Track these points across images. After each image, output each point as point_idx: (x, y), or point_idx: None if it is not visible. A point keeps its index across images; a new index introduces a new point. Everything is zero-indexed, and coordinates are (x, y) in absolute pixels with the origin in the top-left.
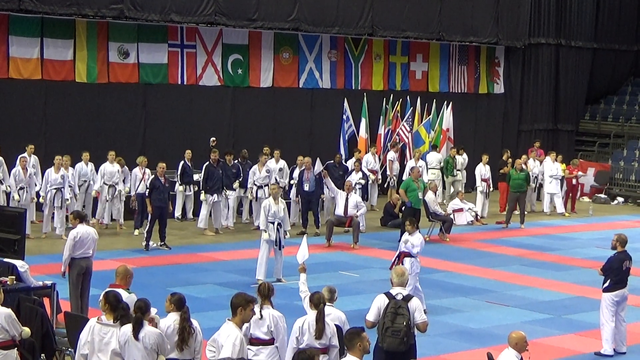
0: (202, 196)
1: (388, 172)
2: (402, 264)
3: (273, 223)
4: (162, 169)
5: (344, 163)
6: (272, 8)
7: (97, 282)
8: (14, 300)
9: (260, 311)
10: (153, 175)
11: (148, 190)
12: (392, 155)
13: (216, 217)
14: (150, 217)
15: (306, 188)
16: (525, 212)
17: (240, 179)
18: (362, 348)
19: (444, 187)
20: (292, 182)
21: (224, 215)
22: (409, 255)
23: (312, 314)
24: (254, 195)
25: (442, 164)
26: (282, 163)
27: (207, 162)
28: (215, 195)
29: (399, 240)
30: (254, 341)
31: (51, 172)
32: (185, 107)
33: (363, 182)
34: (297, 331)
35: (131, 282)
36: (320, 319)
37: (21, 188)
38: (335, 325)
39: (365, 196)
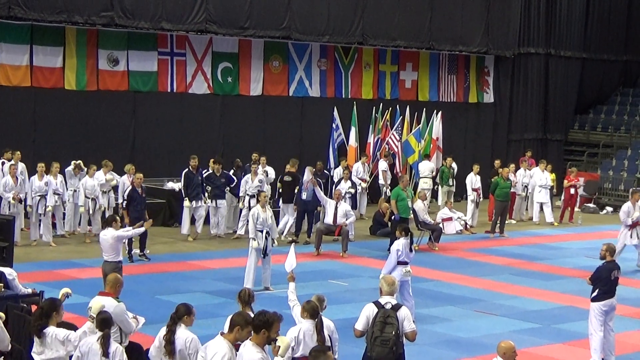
0: (186, 203)
1: (382, 182)
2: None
3: (262, 231)
4: (140, 179)
5: (326, 172)
6: (263, 16)
7: (85, 290)
8: (2, 308)
9: None
10: (130, 187)
11: (125, 201)
12: (384, 165)
13: (197, 223)
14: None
15: (304, 197)
16: (515, 221)
17: (232, 185)
18: None
19: (433, 197)
20: (281, 190)
21: (213, 223)
22: (401, 263)
23: (306, 323)
24: (247, 205)
25: (433, 172)
26: (264, 171)
27: (187, 169)
28: (194, 202)
29: (388, 249)
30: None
31: (35, 180)
32: (174, 115)
33: (352, 191)
34: (293, 340)
35: (120, 290)
36: (320, 330)
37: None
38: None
39: (354, 205)
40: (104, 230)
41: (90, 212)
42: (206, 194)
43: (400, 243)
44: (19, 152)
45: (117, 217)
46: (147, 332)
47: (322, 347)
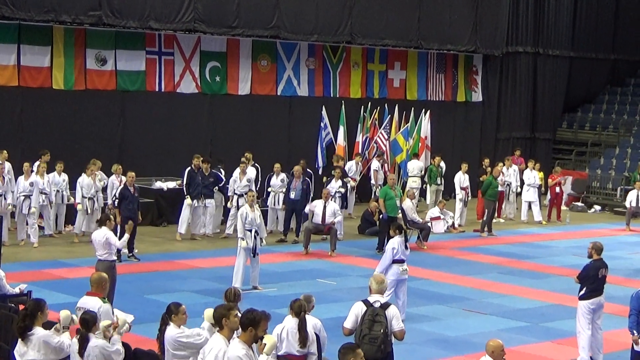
0: (188, 201)
1: (373, 182)
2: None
3: (250, 231)
4: (132, 178)
5: (308, 170)
6: (251, 15)
7: (73, 290)
8: None
9: None
10: (122, 185)
11: (117, 200)
12: (376, 164)
13: (195, 223)
14: (120, 227)
15: (292, 196)
16: (503, 220)
17: (221, 184)
18: None
19: (422, 195)
20: (269, 189)
21: (202, 222)
22: (397, 261)
23: (291, 321)
24: (236, 204)
25: (422, 171)
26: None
27: (189, 168)
28: (195, 201)
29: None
30: None
31: (21, 180)
32: (162, 114)
33: (342, 190)
34: (276, 338)
35: (107, 288)
36: (302, 328)
37: None
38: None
39: (344, 204)
40: (98, 230)
41: (89, 211)
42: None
43: (396, 241)
44: (5, 152)
45: (111, 217)
46: (136, 331)
47: (351, 345)
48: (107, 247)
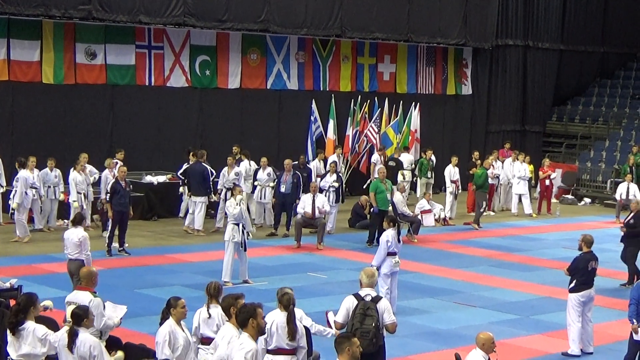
0: (216, 196)
1: (375, 175)
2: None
3: (237, 225)
4: (124, 172)
5: (308, 165)
6: (241, 9)
7: (64, 284)
8: None
9: (208, 310)
10: (113, 179)
11: (109, 194)
12: (376, 157)
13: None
14: (111, 221)
15: (283, 189)
16: (494, 213)
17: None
18: (351, 353)
19: (412, 189)
20: (255, 183)
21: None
22: (390, 254)
23: (280, 315)
24: (224, 198)
25: (412, 165)
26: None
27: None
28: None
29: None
30: (204, 340)
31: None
32: (152, 108)
33: (337, 184)
34: (266, 332)
35: (97, 282)
36: (291, 321)
37: None
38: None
39: (340, 198)
40: (72, 229)
41: (85, 207)
42: (186, 188)
43: (389, 234)
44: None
45: (85, 217)
46: (127, 326)
47: (347, 334)
48: (79, 247)
